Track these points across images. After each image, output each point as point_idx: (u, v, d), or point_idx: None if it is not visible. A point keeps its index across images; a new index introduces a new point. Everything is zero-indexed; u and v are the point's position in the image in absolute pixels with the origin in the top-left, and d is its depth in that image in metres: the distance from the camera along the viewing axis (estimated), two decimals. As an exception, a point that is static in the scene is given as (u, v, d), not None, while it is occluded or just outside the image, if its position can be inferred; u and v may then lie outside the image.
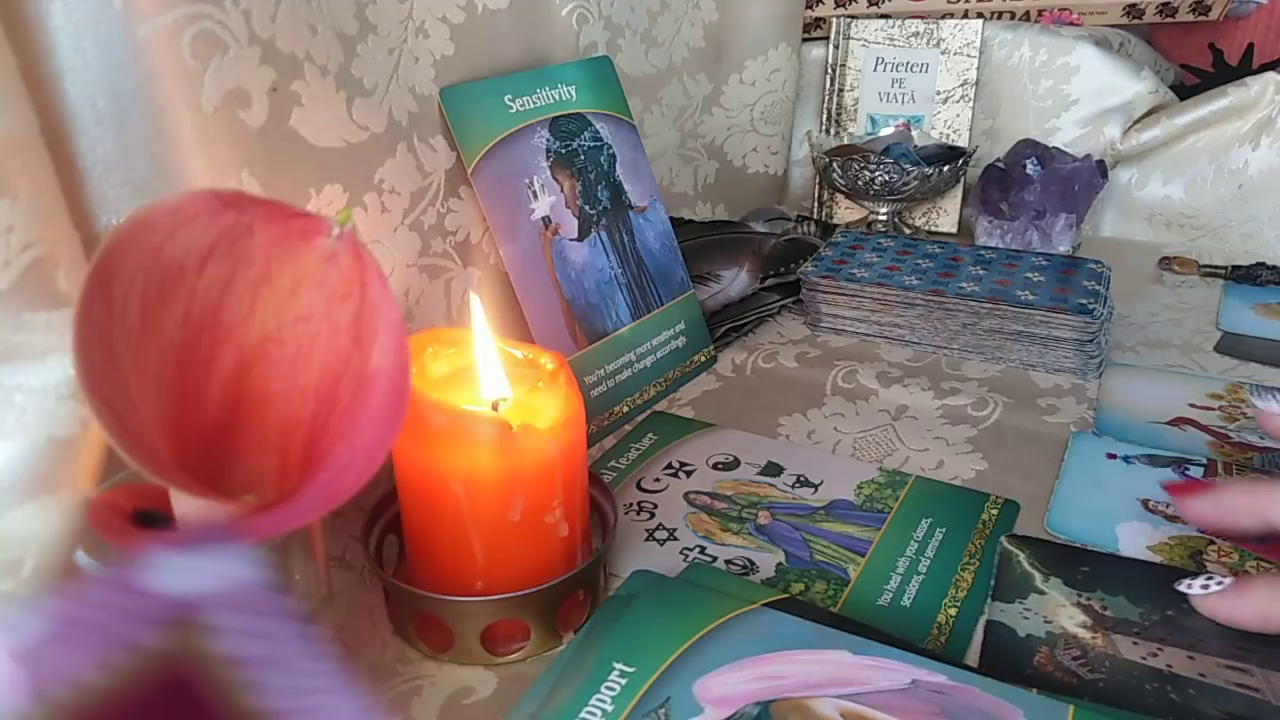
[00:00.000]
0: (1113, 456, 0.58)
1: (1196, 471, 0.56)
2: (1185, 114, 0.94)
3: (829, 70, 1.02)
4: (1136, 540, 0.50)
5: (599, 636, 0.42)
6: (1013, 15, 1.06)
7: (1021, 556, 0.49)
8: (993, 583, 0.48)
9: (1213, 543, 0.50)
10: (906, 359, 0.73)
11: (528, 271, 0.60)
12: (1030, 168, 0.90)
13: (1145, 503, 0.53)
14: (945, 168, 0.90)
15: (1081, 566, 0.48)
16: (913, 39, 0.99)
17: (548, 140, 0.63)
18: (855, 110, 1.02)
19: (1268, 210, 0.92)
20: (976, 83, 0.98)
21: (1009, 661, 0.43)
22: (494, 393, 0.44)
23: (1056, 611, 0.46)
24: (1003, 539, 0.51)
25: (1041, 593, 0.47)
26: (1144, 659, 0.43)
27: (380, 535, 0.47)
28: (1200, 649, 0.43)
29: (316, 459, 0.36)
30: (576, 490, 0.44)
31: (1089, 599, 0.46)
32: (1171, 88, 1.01)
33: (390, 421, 0.34)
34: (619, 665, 0.40)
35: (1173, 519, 0.52)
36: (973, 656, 0.44)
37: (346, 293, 0.37)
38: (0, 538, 0.35)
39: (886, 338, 0.76)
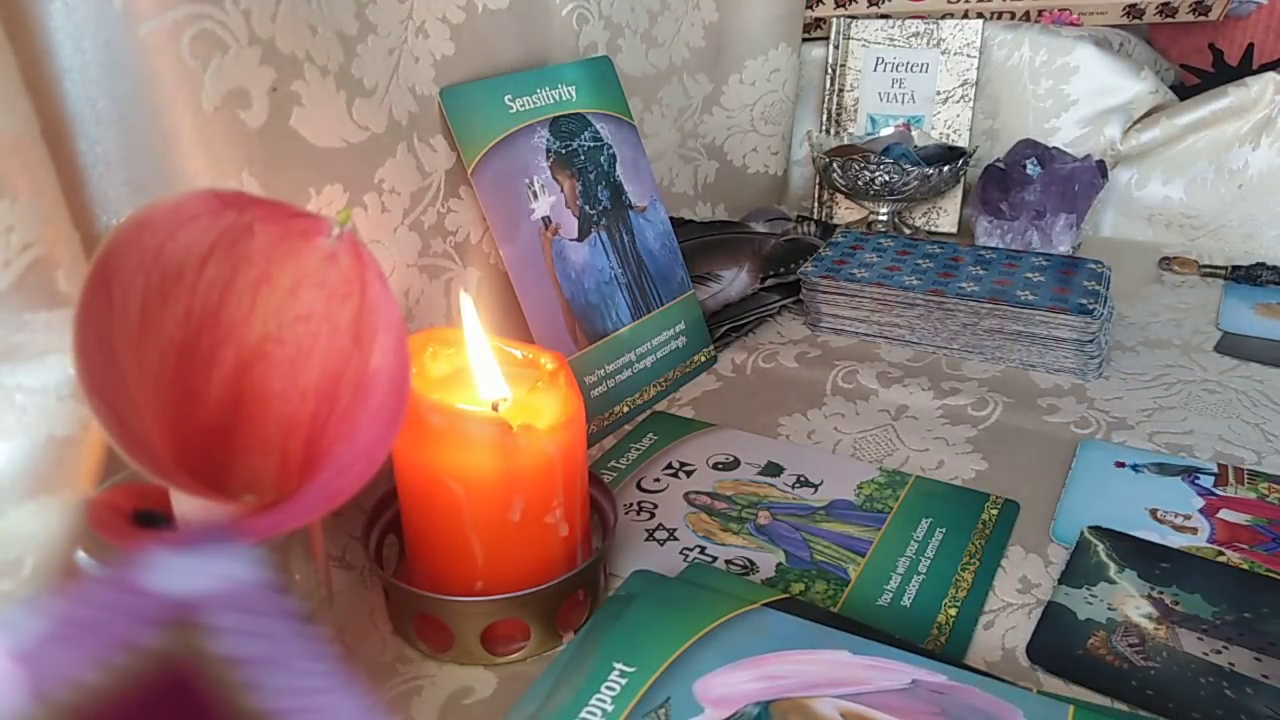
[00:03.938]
0: (1121, 465, 0.57)
1: (1207, 480, 0.55)
2: (1185, 114, 0.94)
3: (829, 70, 1.02)
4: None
5: (599, 636, 0.42)
6: (1013, 15, 1.06)
7: (1100, 547, 0.50)
8: (1063, 567, 0.48)
9: (1221, 553, 0.50)
10: (906, 359, 0.73)
11: (528, 271, 0.60)
12: (1030, 168, 0.90)
13: (1154, 512, 0.53)
14: (945, 168, 0.90)
15: (1161, 563, 0.48)
16: (913, 39, 0.99)
17: (548, 140, 0.63)
18: (855, 110, 1.02)
19: (1268, 210, 0.92)
20: (976, 83, 0.98)
21: (1060, 641, 0.44)
22: (494, 393, 0.44)
23: (1124, 601, 0.46)
24: (1084, 529, 0.51)
25: (1113, 582, 0.47)
26: (1206, 654, 0.43)
27: (380, 535, 0.47)
28: (1271, 653, 0.43)
29: (316, 459, 0.36)
30: (576, 490, 0.44)
31: (1161, 593, 0.46)
32: (1171, 88, 1.01)
33: (390, 421, 0.34)
34: (619, 665, 0.40)
35: (1181, 529, 0.51)
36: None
37: (346, 293, 0.37)
38: (0, 538, 0.35)
39: (886, 338, 0.76)
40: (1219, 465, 0.57)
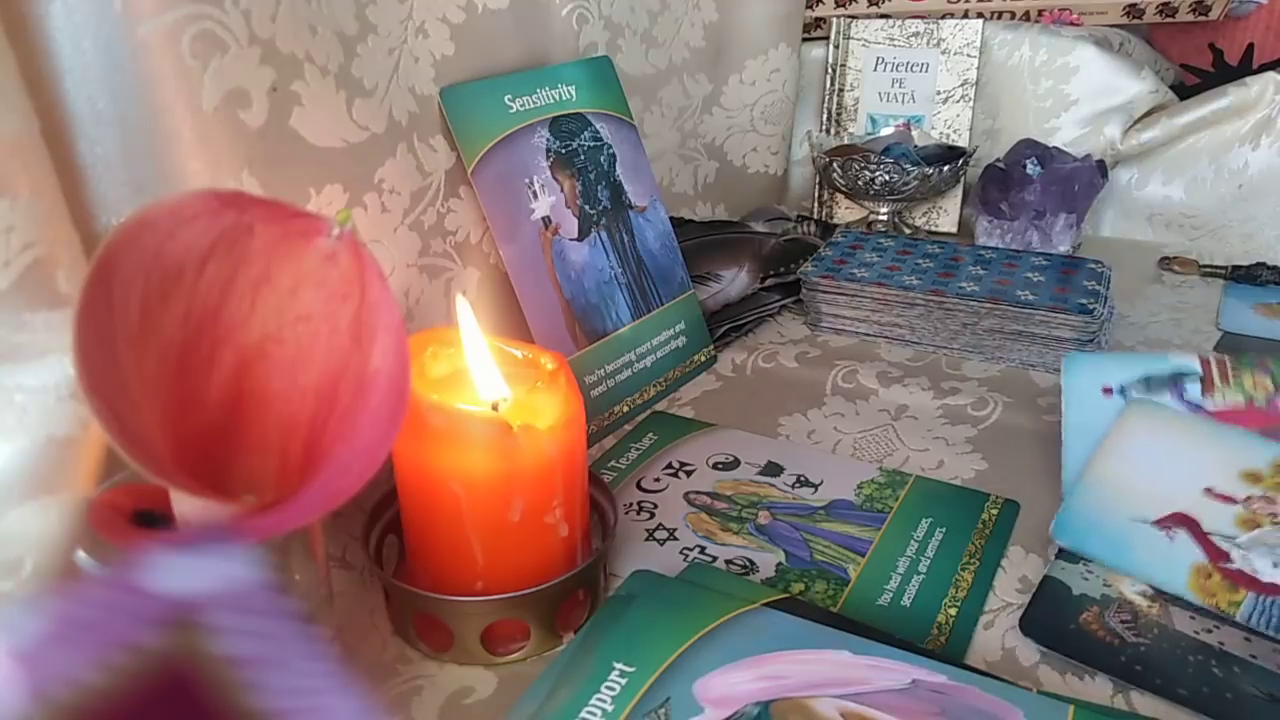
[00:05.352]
0: (1109, 391, 0.55)
1: (1193, 388, 0.54)
2: (1185, 114, 0.94)
3: (829, 70, 1.02)
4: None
5: (599, 636, 0.42)
6: (1013, 15, 1.06)
7: None
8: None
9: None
10: (906, 359, 0.73)
11: (528, 271, 0.60)
12: (1030, 168, 0.90)
13: None
14: (945, 168, 0.90)
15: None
16: (913, 39, 0.99)
17: (548, 140, 0.63)
18: (855, 110, 1.02)
19: (1268, 210, 0.92)
20: (976, 83, 0.98)
21: (1053, 615, 0.44)
22: (494, 393, 0.44)
23: (1120, 579, 0.46)
24: None
25: None
26: (1196, 633, 0.43)
27: (380, 535, 0.47)
28: (1261, 633, 0.43)
29: (316, 459, 0.36)
30: (576, 490, 0.44)
31: None
32: (1171, 88, 1.01)
33: (390, 421, 0.34)
34: (619, 665, 0.40)
35: None
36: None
37: (346, 293, 0.37)
38: (0, 538, 0.35)
39: (886, 338, 0.76)
40: (1202, 361, 0.55)
